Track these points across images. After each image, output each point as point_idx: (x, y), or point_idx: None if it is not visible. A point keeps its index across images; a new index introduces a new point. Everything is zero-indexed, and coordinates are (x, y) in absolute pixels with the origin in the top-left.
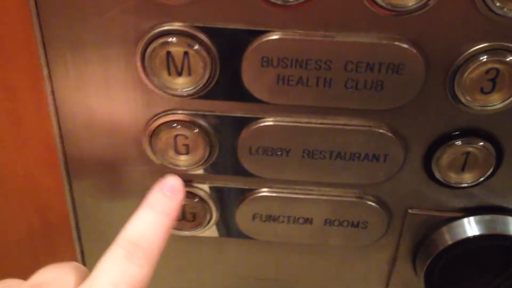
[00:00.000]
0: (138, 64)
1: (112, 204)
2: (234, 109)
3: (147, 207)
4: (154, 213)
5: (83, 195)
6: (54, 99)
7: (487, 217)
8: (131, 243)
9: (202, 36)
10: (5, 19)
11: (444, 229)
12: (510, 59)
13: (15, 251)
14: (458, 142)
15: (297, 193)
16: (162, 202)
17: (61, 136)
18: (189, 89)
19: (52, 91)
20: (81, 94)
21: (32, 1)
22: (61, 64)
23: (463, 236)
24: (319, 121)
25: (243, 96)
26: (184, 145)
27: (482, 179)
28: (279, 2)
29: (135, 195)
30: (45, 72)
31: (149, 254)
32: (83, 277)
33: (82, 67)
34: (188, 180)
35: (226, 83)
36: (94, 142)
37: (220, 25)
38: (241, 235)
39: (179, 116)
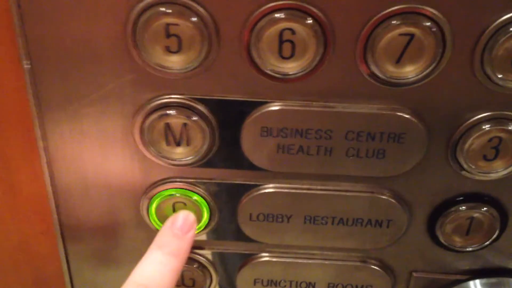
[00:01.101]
0: (136, 135)
1: (108, 269)
2: (234, 177)
3: (156, 248)
4: (162, 254)
5: (79, 260)
6: (50, 169)
7: (493, 280)
8: (141, 287)
9: (201, 108)
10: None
11: None
12: None
13: None
14: (462, 208)
15: (299, 258)
16: (172, 242)
17: (56, 206)
18: (187, 158)
19: (48, 162)
20: (78, 164)
21: (28, 73)
22: (57, 136)
23: None
24: (320, 187)
25: (243, 164)
26: None
27: (487, 243)
28: (278, 76)
29: (132, 261)
30: (40, 144)
31: None
32: None
33: (79, 138)
34: None
35: (225, 152)
36: (90, 210)
37: (219, 96)
38: None
39: (178, 184)
